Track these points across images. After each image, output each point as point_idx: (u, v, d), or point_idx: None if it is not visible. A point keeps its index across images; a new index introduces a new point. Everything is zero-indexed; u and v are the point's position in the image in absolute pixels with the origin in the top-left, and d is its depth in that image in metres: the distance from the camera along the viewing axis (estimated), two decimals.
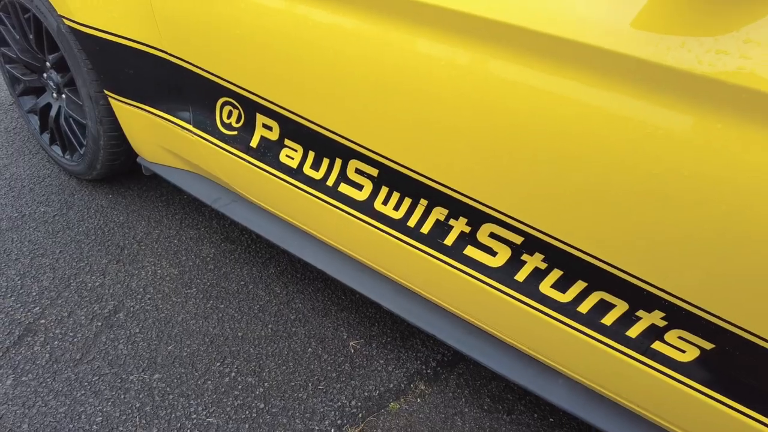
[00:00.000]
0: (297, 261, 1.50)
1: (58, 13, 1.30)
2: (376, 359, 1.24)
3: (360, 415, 1.11)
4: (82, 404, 1.07)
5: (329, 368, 1.20)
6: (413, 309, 1.10)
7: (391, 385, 1.18)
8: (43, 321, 1.24)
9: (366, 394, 1.15)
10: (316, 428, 1.07)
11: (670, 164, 0.63)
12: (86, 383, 1.11)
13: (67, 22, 1.29)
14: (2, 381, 1.09)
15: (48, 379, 1.11)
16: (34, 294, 1.30)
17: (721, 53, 0.56)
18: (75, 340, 1.20)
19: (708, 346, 0.73)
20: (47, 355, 1.16)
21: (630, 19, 0.61)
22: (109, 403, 1.08)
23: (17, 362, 1.14)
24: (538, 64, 0.68)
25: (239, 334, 1.26)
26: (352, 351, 1.25)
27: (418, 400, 1.16)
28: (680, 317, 0.73)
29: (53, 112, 1.67)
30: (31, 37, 1.53)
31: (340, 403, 1.13)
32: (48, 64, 1.57)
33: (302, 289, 1.41)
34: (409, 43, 0.78)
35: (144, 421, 1.05)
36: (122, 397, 1.09)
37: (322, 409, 1.11)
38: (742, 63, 0.55)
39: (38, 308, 1.27)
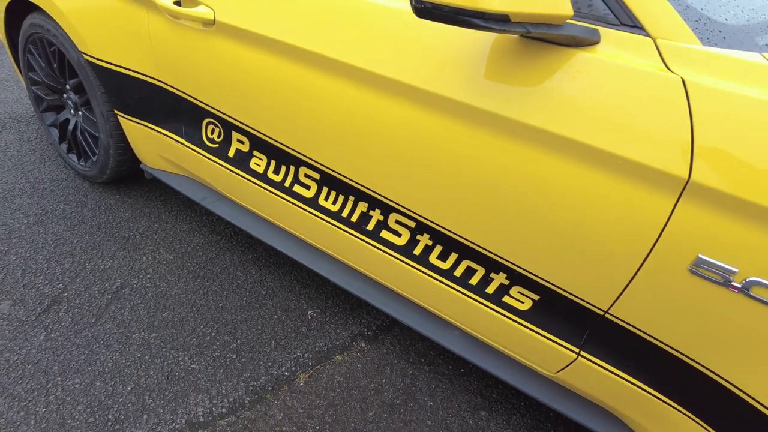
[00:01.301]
0: (271, 249, 1.82)
1: (79, 49, 1.64)
2: (328, 324, 1.56)
3: (310, 364, 1.43)
4: (97, 354, 1.39)
5: (289, 330, 1.52)
6: (353, 282, 1.42)
7: (338, 343, 1.50)
8: (65, 294, 1.56)
9: (317, 349, 1.47)
10: (275, 373, 1.39)
11: (494, 175, 0.95)
12: (100, 339, 1.43)
13: (86, 57, 1.63)
14: (37, 337, 1.41)
15: (71, 336, 1.43)
16: (58, 274, 1.63)
17: (509, 101, 0.89)
18: (90, 308, 1.52)
19: (536, 297, 1.05)
20: (70, 319, 1.48)
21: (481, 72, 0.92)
22: (117, 353, 1.40)
23: (47, 324, 1.46)
24: (413, 105, 1.00)
25: (220, 304, 1.58)
26: (309, 318, 1.57)
27: (359, 355, 1.48)
28: (517, 277, 1.05)
29: (71, 126, 2.01)
30: (54, 65, 1.87)
31: (295, 356, 1.45)
32: (68, 87, 1.90)
33: (273, 271, 1.73)
34: (332, 87, 1.10)
35: (143, 366, 1.37)
36: (127, 349, 1.41)
37: (280, 360, 1.43)
38: (514, 107, 0.88)
39: (61, 284, 1.59)
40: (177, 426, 1.24)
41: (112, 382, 1.32)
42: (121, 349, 1.41)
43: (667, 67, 0.79)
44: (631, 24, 0.83)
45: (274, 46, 1.17)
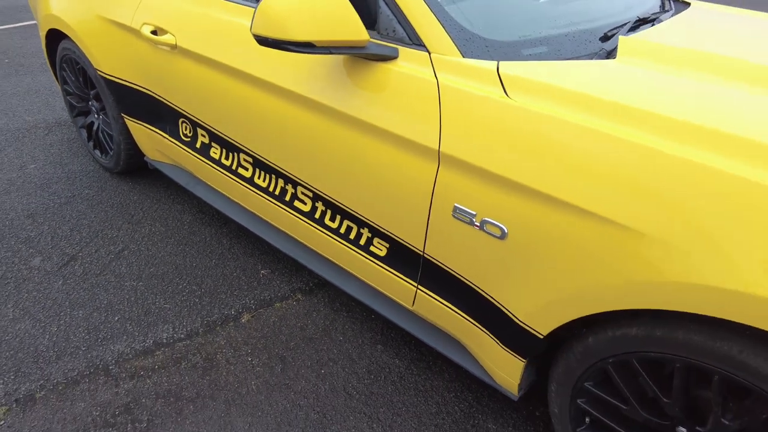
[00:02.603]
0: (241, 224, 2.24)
1: (94, 66, 2.13)
2: (275, 281, 1.96)
3: (254, 308, 1.83)
4: (97, 295, 1.86)
5: (243, 284, 1.93)
6: (285, 244, 1.81)
7: (279, 294, 1.90)
8: (81, 253, 2.05)
9: (262, 298, 1.88)
10: (225, 313, 1.80)
11: (344, 155, 1.31)
12: (101, 285, 1.90)
13: (98, 73, 2.12)
14: (57, 282, 1.90)
15: (81, 282, 1.91)
16: (77, 240, 2.12)
17: (352, 102, 1.25)
18: (98, 263, 2.00)
19: (387, 245, 1.40)
20: (81, 271, 1.96)
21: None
22: (112, 295, 1.86)
23: (65, 274, 1.94)
24: (302, 108, 1.39)
25: (194, 264, 2.02)
26: (261, 276, 1.98)
27: (295, 303, 1.87)
28: (374, 230, 1.41)
29: (95, 127, 2.53)
30: (80, 79, 2.38)
31: (244, 302, 1.86)
32: (91, 96, 2.42)
33: (240, 241, 2.16)
34: (246, 91, 1.51)
35: (129, 304, 1.82)
36: (120, 292, 1.87)
37: (232, 304, 1.84)
38: (352, 105, 1.24)
39: (79, 247, 2.08)
40: (146, 344, 1.68)
41: (105, 314, 1.78)
42: (115, 292, 1.88)
43: (434, 74, 1.13)
44: (418, 43, 1.18)
45: (213, 63, 1.59)
